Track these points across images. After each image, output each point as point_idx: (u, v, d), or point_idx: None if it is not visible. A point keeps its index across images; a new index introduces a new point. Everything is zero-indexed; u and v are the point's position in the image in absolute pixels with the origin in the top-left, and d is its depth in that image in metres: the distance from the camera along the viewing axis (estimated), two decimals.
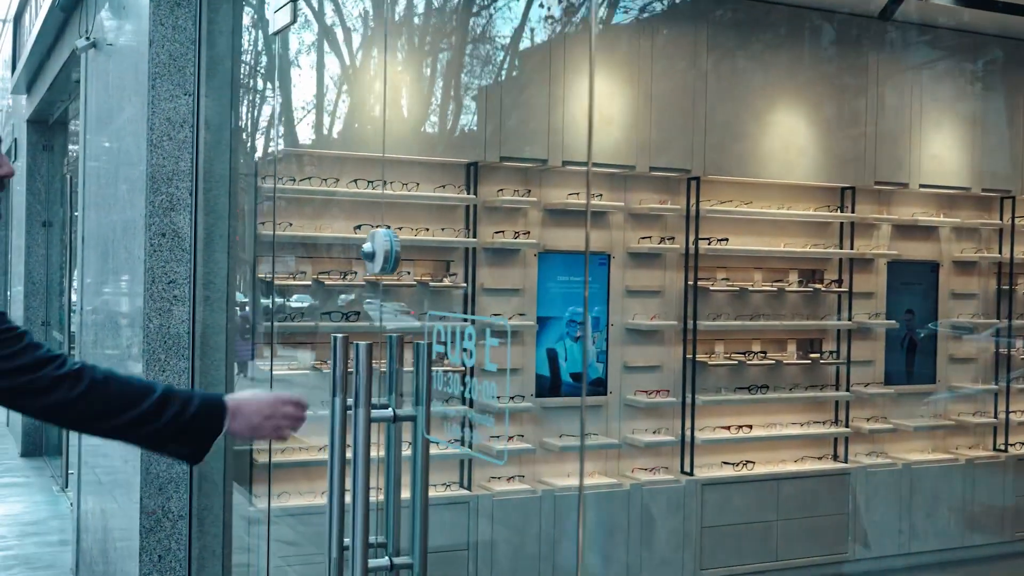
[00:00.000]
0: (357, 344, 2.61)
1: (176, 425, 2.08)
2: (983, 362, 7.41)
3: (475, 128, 6.00)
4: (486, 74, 6.19)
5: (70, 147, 11.09)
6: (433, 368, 2.80)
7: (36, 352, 2.01)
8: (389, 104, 6.10)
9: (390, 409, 2.70)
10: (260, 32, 5.15)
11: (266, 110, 5.58)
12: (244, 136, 5.19)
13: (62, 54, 8.47)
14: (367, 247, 2.84)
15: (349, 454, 2.72)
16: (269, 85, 5.47)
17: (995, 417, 7.26)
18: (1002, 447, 7.22)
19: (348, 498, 2.81)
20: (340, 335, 2.81)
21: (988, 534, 7.04)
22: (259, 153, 5.53)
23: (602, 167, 6.28)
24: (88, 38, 6.18)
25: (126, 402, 2.05)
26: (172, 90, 4.47)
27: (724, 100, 6.59)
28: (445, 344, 2.71)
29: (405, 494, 2.88)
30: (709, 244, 6.44)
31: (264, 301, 5.50)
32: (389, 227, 2.85)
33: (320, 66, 6.06)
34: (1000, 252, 7.32)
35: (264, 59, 5.30)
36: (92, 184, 6.21)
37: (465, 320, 2.67)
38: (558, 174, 6.17)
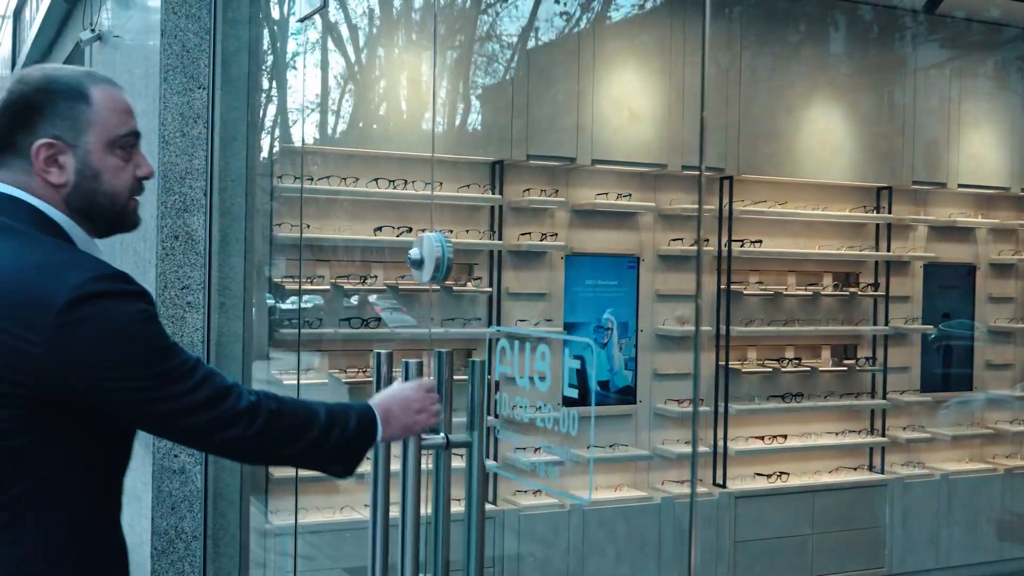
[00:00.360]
0: (407, 362, 2.35)
1: (338, 447, 1.94)
2: (1021, 368, 7.15)
3: (501, 125, 5.72)
4: (512, 69, 5.91)
5: None
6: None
7: (214, 383, 1.80)
8: (409, 100, 5.83)
9: (441, 434, 2.43)
10: (281, 21, 4.88)
11: (286, 104, 5.31)
12: (261, 132, 4.92)
13: (64, 48, 8.19)
14: (414, 253, 2.57)
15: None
16: (289, 78, 5.20)
17: None
18: None
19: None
20: (384, 351, 2.55)
21: None
22: (275, 150, 5.27)
23: (632, 166, 6.01)
24: (93, 30, 5.91)
25: (297, 432, 1.88)
26: (185, 83, 4.21)
27: (758, 97, 6.32)
28: (512, 364, 2.45)
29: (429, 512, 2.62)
30: (742, 246, 6.17)
31: (281, 305, 5.24)
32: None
33: (343, 59, 5.79)
34: None
35: (284, 50, 5.03)
36: None
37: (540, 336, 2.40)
38: (587, 173, 5.90)
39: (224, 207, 4.29)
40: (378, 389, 2.49)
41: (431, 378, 2.25)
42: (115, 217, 1.90)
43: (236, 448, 1.86)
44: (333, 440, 1.91)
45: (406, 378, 2.33)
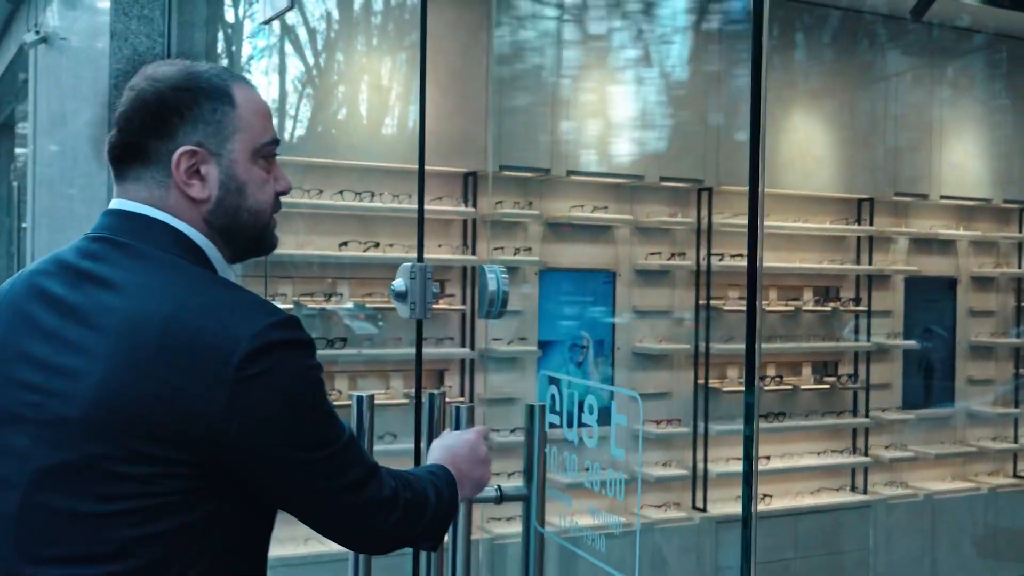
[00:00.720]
0: (458, 407, 2.09)
1: (442, 524, 1.69)
2: (1002, 384, 7.00)
3: (473, 135, 5.44)
4: (485, 77, 5.63)
5: (17, 150, 10.39)
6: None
7: (364, 461, 1.53)
8: (377, 108, 5.55)
9: (494, 486, 2.15)
10: (237, 24, 4.59)
11: None
12: None
13: (8, 51, 7.82)
14: (398, 284, 2.30)
15: None
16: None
17: (1015, 442, 6.85)
18: (1023, 473, 6.81)
19: None
20: (365, 394, 2.27)
21: (1015, 563, 6.61)
22: None
23: (607, 177, 5.77)
24: (38, 32, 5.58)
25: (417, 519, 1.62)
26: None
27: (737, 106, 6.11)
28: (560, 413, 2.19)
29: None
30: (721, 260, 5.95)
31: None
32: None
33: (303, 64, 5.50)
34: (1020, 267, 6.92)
35: (240, 54, 4.74)
36: (43, 194, 5.61)
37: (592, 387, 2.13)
38: (562, 185, 5.65)
39: None
40: (359, 435, 2.23)
41: (485, 426, 1.99)
42: (257, 237, 1.61)
43: (367, 538, 1.58)
44: (439, 518, 1.67)
45: (457, 426, 2.09)
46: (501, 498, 2.13)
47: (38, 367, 1.43)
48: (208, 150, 1.51)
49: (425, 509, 1.61)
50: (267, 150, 1.58)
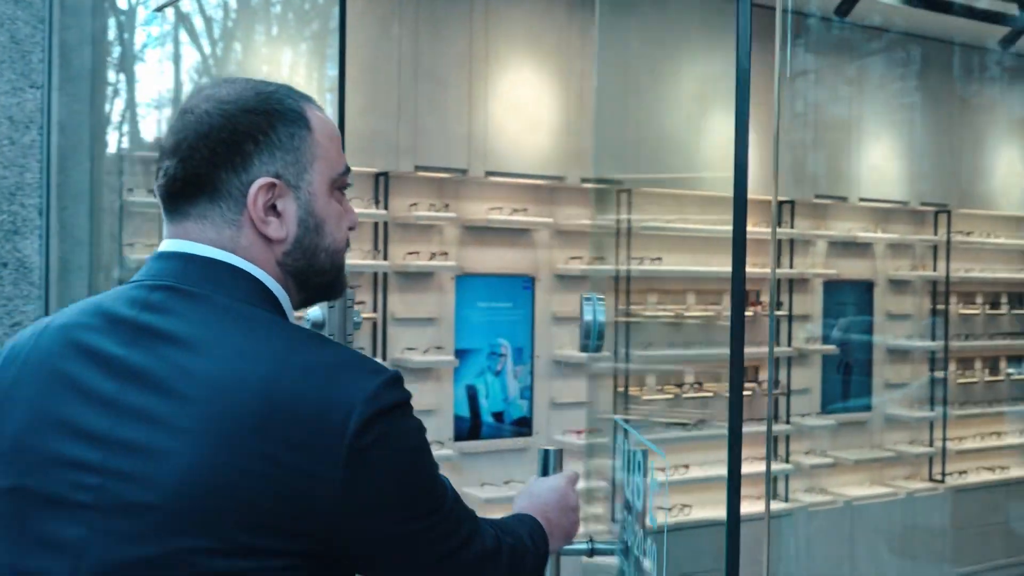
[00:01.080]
0: (546, 451, 1.86)
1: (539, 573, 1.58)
2: (918, 387, 6.98)
3: (386, 133, 5.15)
4: (398, 70, 5.34)
5: None
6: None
7: (467, 512, 1.37)
8: None
9: (586, 538, 1.92)
10: (130, 11, 4.23)
11: (135, 106, 4.64)
12: (109, 140, 4.27)
13: None
14: (315, 313, 2.03)
15: None
16: (141, 75, 4.54)
17: (931, 446, 6.84)
18: (939, 477, 6.80)
19: None
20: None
21: (931, 564, 6.60)
22: (125, 159, 4.60)
23: (527, 178, 5.54)
24: None
25: (520, 564, 1.48)
26: (14, 81, 3.58)
27: (657, 104, 5.93)
28: (625, 467, 1.96)
29: None
30: (641, 264, 5.77)
31: None
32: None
33: (200, 55, 5.14)
34: (935, 269, 6.90)
35: (132, 43, 4.37)
36: None
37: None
38: (479, 185, 5.41)
39: (65, 229, 3.69)
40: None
41: (576, 471, 1.80)
42: (332, 280, 1.40)
43: None
44: (536, 568, 1.53)
45: (545, 471, 1.87)
46: (592, 551, 1.91)
47: (91, 441, 1.18)
48: (286, 182, 1.30)
49: (526, 555, 1.49)
50: (342, 180, 1.38)
